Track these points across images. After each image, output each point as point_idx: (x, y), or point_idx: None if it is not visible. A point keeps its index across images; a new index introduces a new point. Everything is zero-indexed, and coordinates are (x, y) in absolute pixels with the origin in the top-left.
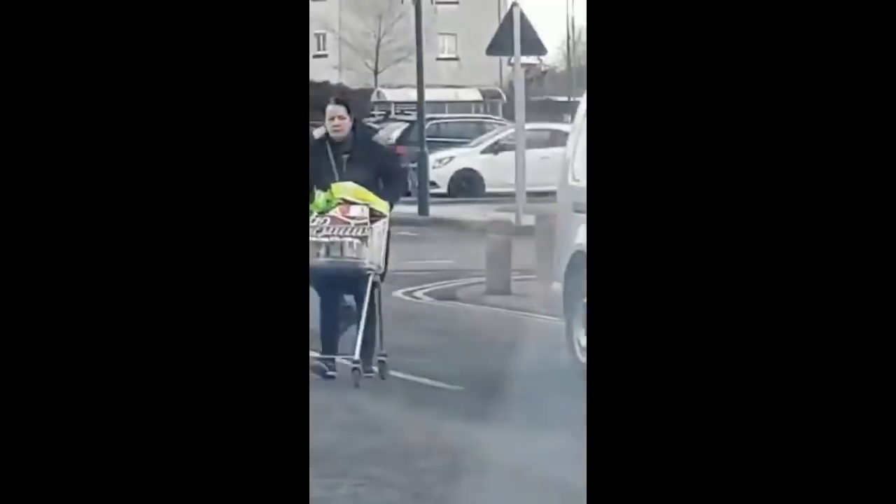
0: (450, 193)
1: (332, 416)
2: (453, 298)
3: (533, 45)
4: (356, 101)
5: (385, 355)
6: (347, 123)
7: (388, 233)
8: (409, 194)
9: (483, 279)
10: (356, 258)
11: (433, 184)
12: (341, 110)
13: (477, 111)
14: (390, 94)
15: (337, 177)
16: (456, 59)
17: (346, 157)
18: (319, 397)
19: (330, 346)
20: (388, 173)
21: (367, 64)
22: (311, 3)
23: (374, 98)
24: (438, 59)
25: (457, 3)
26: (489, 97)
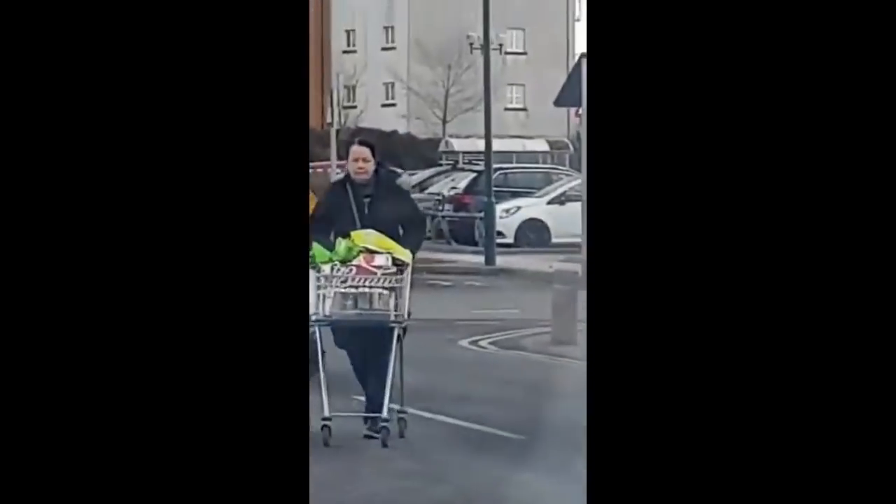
0: (516, 243)
1: (393, 464)
2: (519, 348)
3: None
4: (421, 148)
5: (405, 412)
6: (371, 166)
7: (411, 283)
8: (475, 243)
9: (549, 329)
10: (386, 310)
11: (500, 233)
12: (366, 152)
13: (544, 162)
14: (458, 144)
15: (357, 219)
16: (524, 109)
17: (367, 200)
18: (377, 445)
19: (377, 404)
20: (408, 220)
21: (435, 113)
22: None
23: (442, 147)
24: (506, 109)
25: (525, 53)
26: (556, 148)
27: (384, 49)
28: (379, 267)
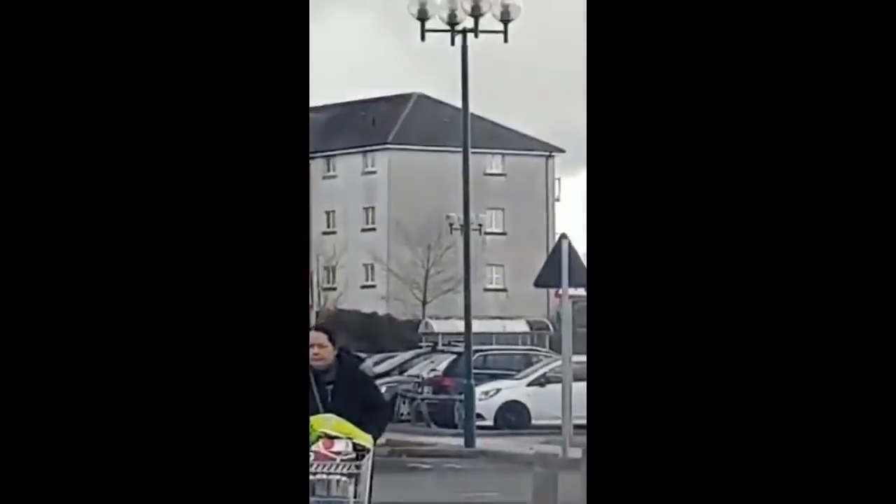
0: (496, 426)
1: None
2: None
3: (581, 276)
4: (401, 330)
5: None
6: (330, 352)
7: (373, 468)
8: (455, 426)
9: None
10: (344, 497)
11: (480, 416)
12: (322, 338)
13: (524, 342)
14: (438, 326)
15: (320, 407)
16: (504, 290)
17: (329, 387)
18: None
19: None
20: (372, 405)
21: (415, 294)
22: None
23: (421, 329)
24: (486, 289)
25: (505, 234)
26: (536, 328)
27: (364, 230)
28: (338, 453)
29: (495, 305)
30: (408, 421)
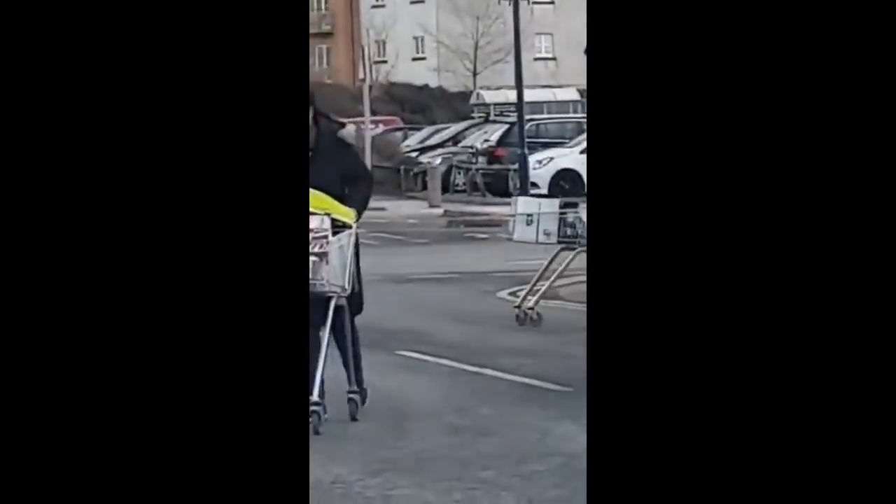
0: (550, 193)
1: (440, 420)
2: (557, 298)
3: None
4: (453, 101)
5: (356, 392)
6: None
7: (357, 246)
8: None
9: (584, 278)
10: (312, 279)
11: (534, 185)
12: None
13: (575, 111)
14: (489, 96)
15: None
16: (553, 58)
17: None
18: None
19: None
20: (353, 177)
21: (465, 66)
22: (408, 5)
23: (473, 100)
24: (536, 59)
25: (553, 2)
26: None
27: (412, 2)
28: (310, 230)
29: (545, 74)
30: (463, 191)
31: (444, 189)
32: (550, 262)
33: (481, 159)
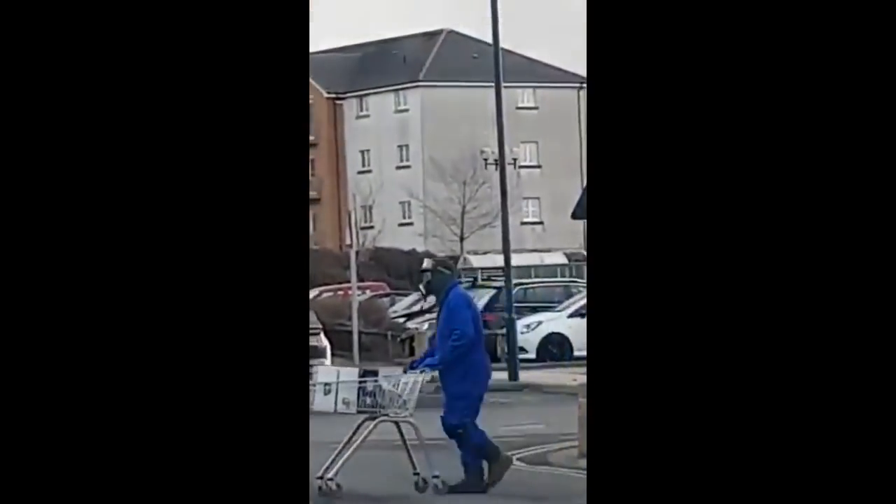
0: (538, 358)
1: None
2: (547, 463)
3: None
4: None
5: None
6: None
7: None
8: (497, 360)
9: (576, 443)
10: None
11: (522, 349)
12: None
13: (563, 275)
14: (476, 261)
15: None
16: (540, 222)
17: None
18: None
19: None
20: None
21: (452, 230)
22: (394, 171)
23: (460, 265)
24: (523, 223)
25: (540, 166)
26: (574, 260)
27: (399, 168)
28: None
29: (532, 238)
30: None
31: None
32: (355, 432)
33: None
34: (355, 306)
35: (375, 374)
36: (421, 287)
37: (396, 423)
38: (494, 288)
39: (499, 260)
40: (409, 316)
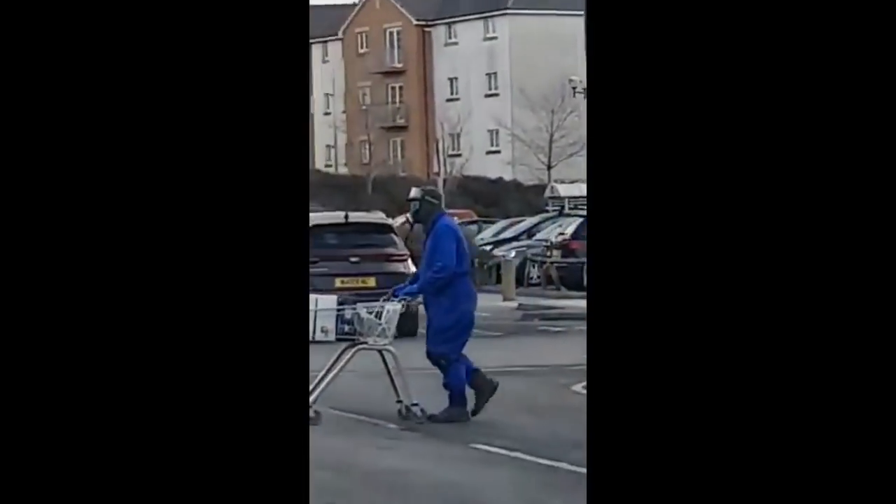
0: None
1: None
2: None
3: None
4: (528, 195)
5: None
6: None
7: None
8: (584, 287)
9: None
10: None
11: None
12: None
13: None
14: (564, 190)
15: None
16: None
17: None
18: None
19: None
20: None
21: (539, 159)
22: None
23: (547, 193)
24: None
25: None
26: None
27: (487, 96)
28: None
29: None
30: (538, 285)
31: (519, 282)
32: (337, 359)
33: (556, 253)
34: None
35: (354, 302)
36: (408, 216)
37: (380, 350)
38: (581, 216)
39: (586, 189)
40: (496, 244)
